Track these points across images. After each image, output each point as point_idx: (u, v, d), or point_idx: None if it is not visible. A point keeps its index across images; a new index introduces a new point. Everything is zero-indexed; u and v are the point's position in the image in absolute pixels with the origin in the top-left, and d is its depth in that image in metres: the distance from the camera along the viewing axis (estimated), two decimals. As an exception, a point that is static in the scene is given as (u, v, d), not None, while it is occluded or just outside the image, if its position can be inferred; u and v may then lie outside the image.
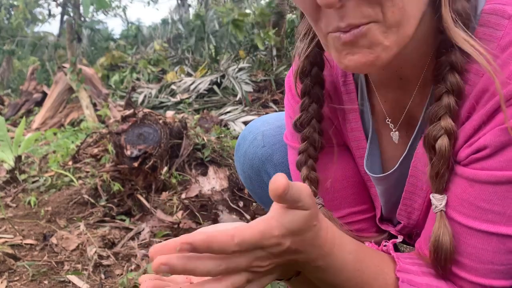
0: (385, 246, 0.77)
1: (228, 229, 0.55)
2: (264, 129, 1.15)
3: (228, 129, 4.10)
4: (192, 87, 5.71)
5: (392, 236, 1.00)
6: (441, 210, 0.70)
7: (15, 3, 11.25)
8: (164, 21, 10.68)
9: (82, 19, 10.14)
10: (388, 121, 0.85)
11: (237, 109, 4.86)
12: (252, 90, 5.34)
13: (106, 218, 2.22)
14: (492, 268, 0.68)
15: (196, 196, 2.31)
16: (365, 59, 0.64)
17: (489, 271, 0.68)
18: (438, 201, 0.70)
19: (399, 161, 0.84)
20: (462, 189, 0.69)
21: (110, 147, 2.71)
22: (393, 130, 0.84)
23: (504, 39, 0.64)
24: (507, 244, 0.67)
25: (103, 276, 1.70)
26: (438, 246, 0.69)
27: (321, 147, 0.86)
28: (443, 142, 0.68)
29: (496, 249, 0.67)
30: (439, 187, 0.70)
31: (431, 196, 0.71)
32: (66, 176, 2.71)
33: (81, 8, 9.64)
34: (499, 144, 0.64)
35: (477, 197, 0.67)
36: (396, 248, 1.17)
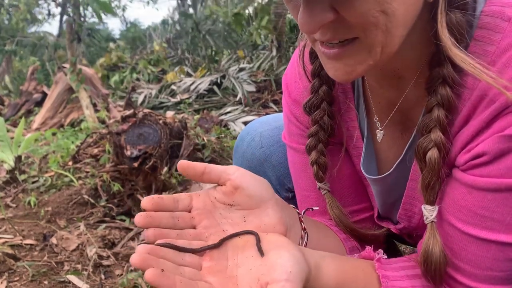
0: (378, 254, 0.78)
1: None
2: (262, 130, 1.15)
3: (228, 129, 4.09)
4: (192, 87, 5.71)
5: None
6: (432, 221, 0.70)
7: (15, 2, 11.24)
8: (164, 22, 10.68)
9: (82, 19, 10.14)
10: (376, 119, 0.85)
11: (237, 109, 4.85)
12: (254, 89, 5.34)
13: (106, 218, 2.22)
14: (491, 275, 0.68)
15: (196, 196, 2.31)
16: (344, 73, 0.68)
17: (488, 277, 0.69)
18: (429, 212, 0.71)
19: (396, 164, 0.83)
20: (461, 195, 0.69)
21: (107, 147, 2.71)
22: (379, 128, 0.84)
23: (504, 41, 0.64)
24: (505, 252, 0.67)
25: (103, 276, 1.71)
26: (428, 257, 0.69)
27: (332, 131, 0.86)
28: (432, 154, 0.68)
29: (495, 256, 0.67)
30: (429, 198, 0.70)
31: (422, 207, 0.72)
32: (66, 176, 2.71)
33: (81, 9, 9.63)
34: (498, 151, 0.63)
35: (476, 204, 0.67)
36: (396, 247, 1.17)
